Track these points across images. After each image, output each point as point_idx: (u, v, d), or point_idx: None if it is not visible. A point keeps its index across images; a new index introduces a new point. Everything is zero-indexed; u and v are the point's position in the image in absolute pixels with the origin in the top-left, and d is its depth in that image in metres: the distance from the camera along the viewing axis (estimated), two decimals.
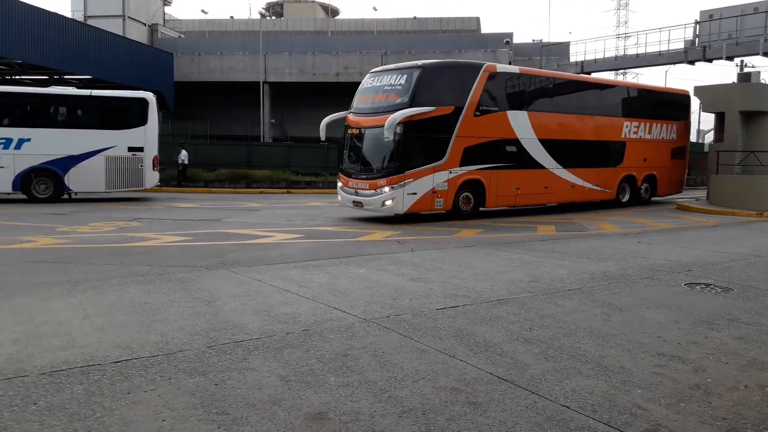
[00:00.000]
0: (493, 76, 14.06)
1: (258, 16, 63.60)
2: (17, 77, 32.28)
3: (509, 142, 14.40)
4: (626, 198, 18.15)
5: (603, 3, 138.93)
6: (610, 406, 3.60)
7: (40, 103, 17.52)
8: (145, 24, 42.17)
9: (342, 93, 40.61)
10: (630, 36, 53.86)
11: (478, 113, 13.65)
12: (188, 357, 4.37)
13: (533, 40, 49.67)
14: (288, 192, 24.14)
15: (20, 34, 25.50)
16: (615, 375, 4.13)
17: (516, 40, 45.39)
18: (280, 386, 3.86)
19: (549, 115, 15.51)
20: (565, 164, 15.82)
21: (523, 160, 14.75)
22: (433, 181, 12.97)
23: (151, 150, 17.91)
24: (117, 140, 17.43)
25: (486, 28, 67.65)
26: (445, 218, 13.75)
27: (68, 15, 36.25)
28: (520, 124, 14.55)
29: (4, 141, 16.51)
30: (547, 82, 16.00)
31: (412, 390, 3.82)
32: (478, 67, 13.99)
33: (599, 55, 32.47)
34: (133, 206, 16.85)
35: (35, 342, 4.67)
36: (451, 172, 13.21)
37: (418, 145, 12.79)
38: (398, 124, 12.27)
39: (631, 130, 17.71)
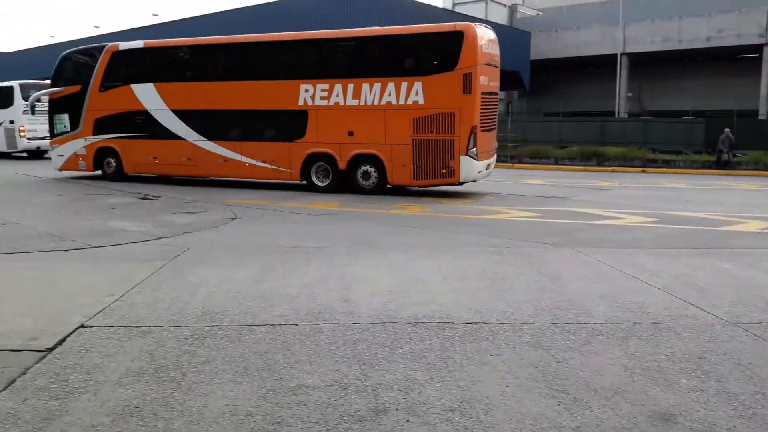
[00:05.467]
0: (116, 55, 15.57)
1: None
2: None
3: (138, 113, 15.41)
4: (326, 182, 13.80)
5: None
6: None
7: None
8: (505, 5, 43.91)
9: (713, 60, 35.61)
10: None
11: (103, 89, 15.69)
12: (532, 330, 4.53)
13: None
14: (643, 171, 22.42)
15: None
16: None
17: None
18: (624, 377, 3.71)
19: (184, 85, 15.14)
20: (210, 136, 14.79)
21: (156, 130, 15.22)
22: (73, 146, 16.33)
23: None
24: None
25: None
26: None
27: (439, 5, 40.09)
28: (148, 96, 15.24)
29: None
30: (179, 52, 15.87)
31: None
32: (100, 49, 15.83)
33: None
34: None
35: (404, 295, 5.43)
36: (86, 140, 16.07)
37: (60, 118, 16.59)
38: (49, 101, 16.80)
39: (316, 95, 13.53)
